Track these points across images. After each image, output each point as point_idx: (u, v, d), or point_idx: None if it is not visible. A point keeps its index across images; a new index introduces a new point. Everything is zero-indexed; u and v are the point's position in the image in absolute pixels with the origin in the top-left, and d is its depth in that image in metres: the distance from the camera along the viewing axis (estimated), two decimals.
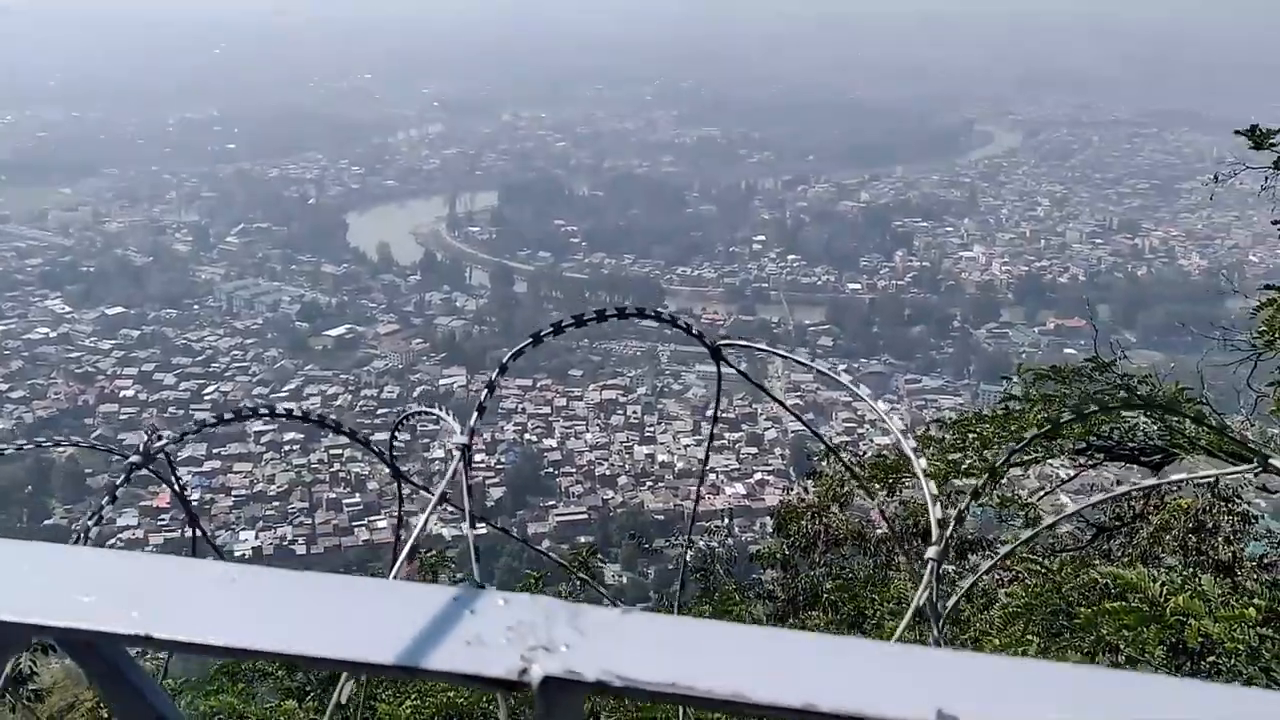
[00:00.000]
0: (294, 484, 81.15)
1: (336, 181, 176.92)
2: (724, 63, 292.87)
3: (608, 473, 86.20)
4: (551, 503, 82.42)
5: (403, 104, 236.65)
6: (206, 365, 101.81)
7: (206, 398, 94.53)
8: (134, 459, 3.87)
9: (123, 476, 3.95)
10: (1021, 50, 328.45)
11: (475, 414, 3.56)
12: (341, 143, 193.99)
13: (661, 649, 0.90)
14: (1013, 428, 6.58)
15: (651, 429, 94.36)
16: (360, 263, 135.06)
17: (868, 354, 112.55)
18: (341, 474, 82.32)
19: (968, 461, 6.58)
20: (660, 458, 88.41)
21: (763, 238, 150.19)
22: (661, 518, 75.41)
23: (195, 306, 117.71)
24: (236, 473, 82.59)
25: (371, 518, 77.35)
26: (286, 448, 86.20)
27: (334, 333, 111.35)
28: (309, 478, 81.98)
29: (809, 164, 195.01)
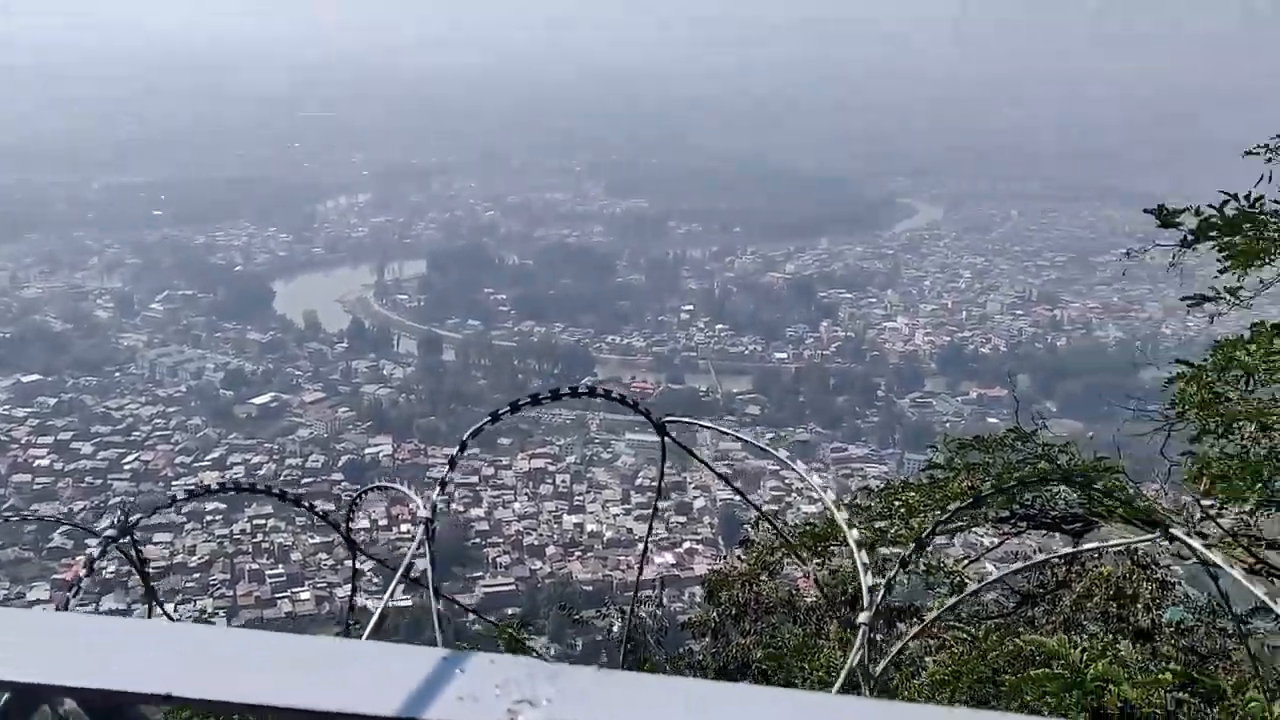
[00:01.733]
0: (215, 555, 79.13)
1: (264, 249, 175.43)
2: (655, 134, 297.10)
3: (536, 543, 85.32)
4: (478, 574, 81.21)
5: (332, 172, 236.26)
6: (127, 434, 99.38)
7: (126, 467, 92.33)
8: (109, 533, 3.87)
9: (99, 549, 3.91)
10: (945, 122, 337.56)
11: (438, 489, 3.61)
12: (269, 210, 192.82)
13: (631, 703, 1.00)
14: (938, 496, 6.71)
15: (580, 498, 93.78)
16: (286, 330, 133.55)
17: (794, 422, 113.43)
18: (264, 544, 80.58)
19: (894, 529, 6.70)
20: (589, 527, 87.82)
21: (690, 307, 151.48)
22: (590, 588, 74.61)
23: (116, 374, 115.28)
24: (156, 543, 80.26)
25: (295, 589, 75.67)
26: (209, 518, 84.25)
27: (259, 401, 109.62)
28: (231, 548, 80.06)
29: (736, 235, 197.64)
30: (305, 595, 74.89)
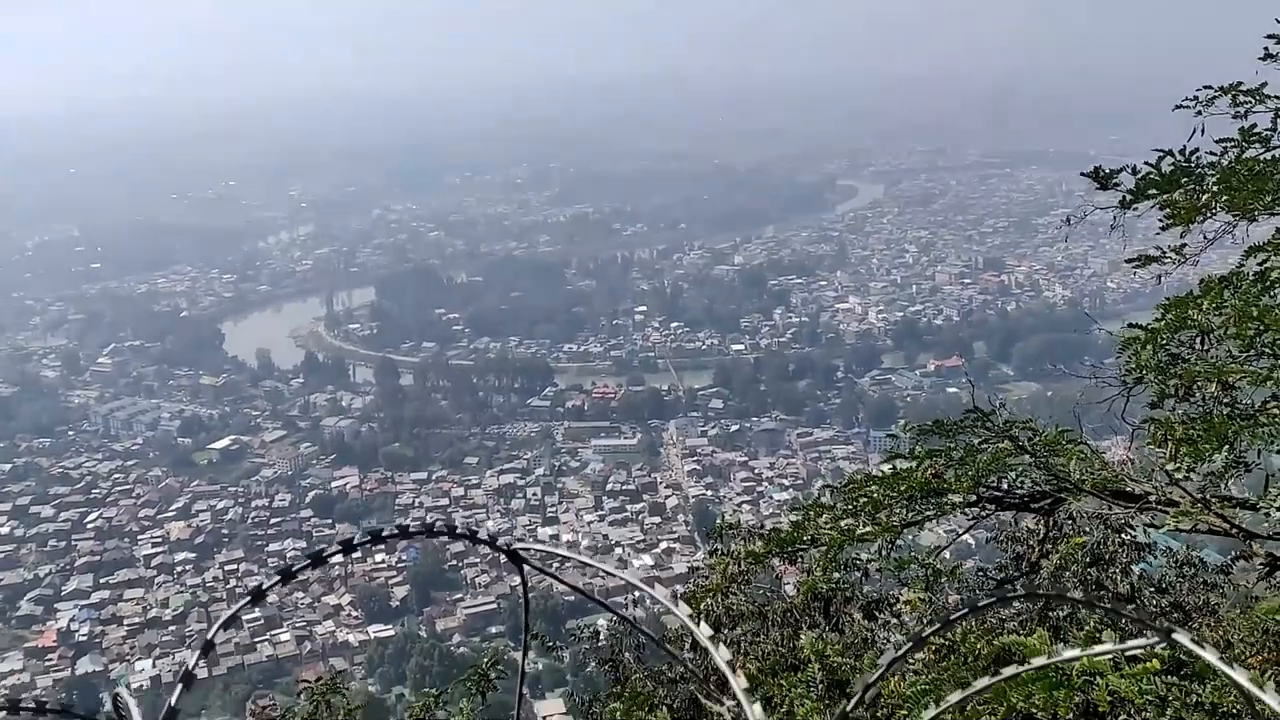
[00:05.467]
0: (189, 605, 78.00)
1: (208, 291, 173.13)
2: (589, 141, 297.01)
3: None
4: (459, 596, 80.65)
5: (271, 207, 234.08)
6: (87, 492, 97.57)
7: (89, 526, 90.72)
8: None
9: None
10: (871, 106, 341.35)
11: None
12: (211, 252, 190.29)
13: None
14: (901, 487, 6.57)
15: (553, 509, 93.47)
16: (240, 371, 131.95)
17: (758, 412, 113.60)
18: (238, 590, 79.47)
19: (860, 526, 6.56)
20: (565, 537, 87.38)
21: (644, 308, 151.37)
22: (571, 598, 74.25)
23: (70, 433, 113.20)
24: (127, 600, 79.12)
25: (274, 631, 74.68)
26: (179, 569, 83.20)
27: (218, 445, 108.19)
28: (205, 597, 78.97)
29: (681, 231, 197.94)
30: (285, 637, 74.03)
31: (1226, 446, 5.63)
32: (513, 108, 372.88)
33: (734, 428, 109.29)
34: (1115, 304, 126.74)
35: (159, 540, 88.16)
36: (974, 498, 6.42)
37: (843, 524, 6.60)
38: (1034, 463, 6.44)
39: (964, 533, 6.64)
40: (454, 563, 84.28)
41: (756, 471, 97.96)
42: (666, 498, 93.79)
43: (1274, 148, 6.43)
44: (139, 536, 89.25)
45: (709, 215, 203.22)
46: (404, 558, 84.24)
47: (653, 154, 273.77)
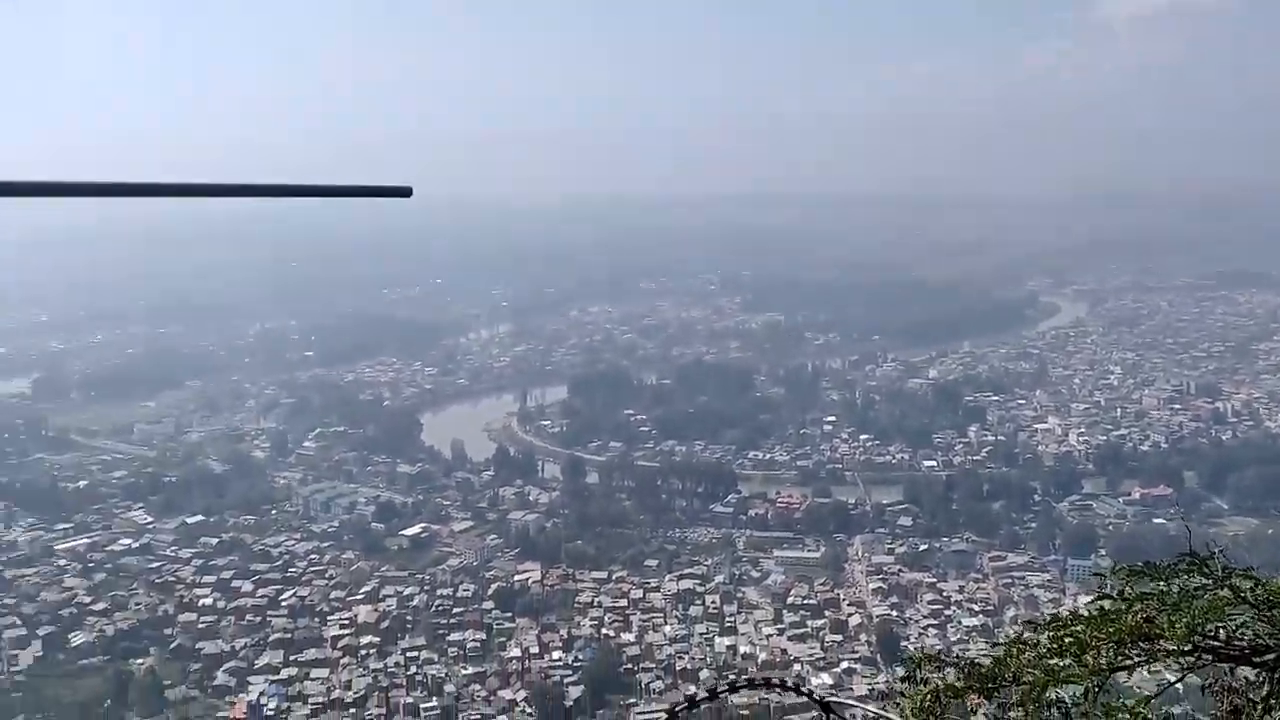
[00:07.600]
0: (370, 689, 79.70)
1: (410, 383, 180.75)
2: (784, 249, 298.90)
3: (689, 667, 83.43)
4: (632, 700, 79.74)
5: (473, 305, 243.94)
6: (284, 570, 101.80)
7: (284, 604, 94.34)
8: None
9: None
10: (1077, 220, 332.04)
11: None
12: (414, 346, 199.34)
13: None
14: (1109, 630, 6.28)
15: (731, 619, 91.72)
16: (434, 461, 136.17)
17: (949, 532, 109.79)
18: (419, 677, 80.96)
19: (1066, 668, 6.29)
20: (742, 649, 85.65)
21: (833, 418, 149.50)
22: (746, 713, 72.61)
23: (273, 511, 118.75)
24: (314, 679, 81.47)
25: None
26: (363, 652, 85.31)
27: (409, 532, 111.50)
28: (385, 682, 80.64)
29: (875, 343, 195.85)
30: None
31: None
32: (709, 216, 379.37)
33: (923, 547, 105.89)
34: None
35: (347, 622, 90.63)
36: (1189, 646, 6.09)
37: (1047, 663, 6.36)
38: (1257, 615, 6.08)
39: (1176, 682, 6.28)
40: (629, 666, 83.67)
41: (945, 594, 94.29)
42: (849, 615, 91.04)
43: None
44: (329, 617, 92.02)
45: (904, 327, 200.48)
46: (580, 657, 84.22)
47: (848, 262, 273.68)
